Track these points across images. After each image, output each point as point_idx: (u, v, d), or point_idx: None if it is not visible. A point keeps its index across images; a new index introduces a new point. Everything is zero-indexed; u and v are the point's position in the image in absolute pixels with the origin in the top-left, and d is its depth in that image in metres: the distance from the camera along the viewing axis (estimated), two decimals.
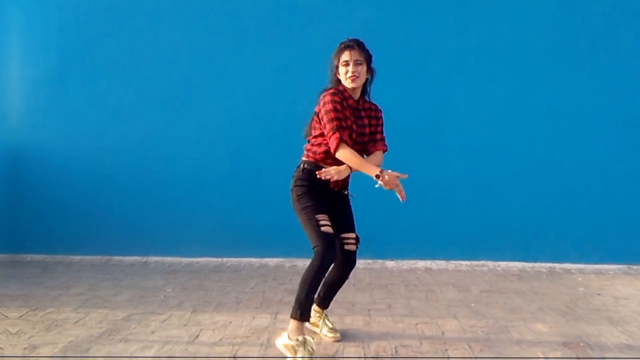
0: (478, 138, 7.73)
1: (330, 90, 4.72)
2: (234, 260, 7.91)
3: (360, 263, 7.42)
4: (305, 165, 4.87)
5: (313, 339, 4.58)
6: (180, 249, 8.00)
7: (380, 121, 4.99)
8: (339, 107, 4.64)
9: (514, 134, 7.71)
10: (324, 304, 5.21)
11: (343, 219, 5.00)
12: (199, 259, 7.93)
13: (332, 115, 4.60)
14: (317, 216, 4.67)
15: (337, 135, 4.56)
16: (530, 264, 7.70)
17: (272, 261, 7.81)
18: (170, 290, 6.58)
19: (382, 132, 5.01)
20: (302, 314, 4.59)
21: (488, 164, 7.72)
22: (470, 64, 7.73)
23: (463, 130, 7.74)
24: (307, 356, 4.42)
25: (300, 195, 4.82)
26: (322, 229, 4.62)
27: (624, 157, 7.64)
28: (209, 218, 7.99)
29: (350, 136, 4.69)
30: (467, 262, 7.79)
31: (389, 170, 4.58)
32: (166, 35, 7.93)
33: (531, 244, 7.79)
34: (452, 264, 7.74)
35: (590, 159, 7.66)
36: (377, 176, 4.52)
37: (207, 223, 8.00)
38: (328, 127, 4.61)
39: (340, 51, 4.73)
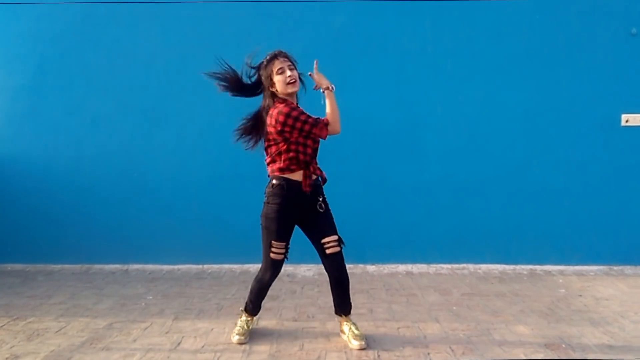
0: (457, 141, 7.75)
1: (280, 104, 4.90)
2: (215, 266, 7.89)
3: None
4: (274, 180, 5.00)
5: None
6: (161, 256, 7.97)
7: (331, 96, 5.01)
8: (299, 108, 4.91)
9: (492, 137, 7.73)
10: (338, 310, 5.24)
11: (320, 225, 5.05)
12: (180, 266, 7.91)
13: (303, 117, 4.81)
14: (272, 242, 5.03)
15: (321, 125, 4.83)
16: (511, 267, 7.73)
17: (253, 267, 7.78)
18: (151, 298, 6.56)
19: None
20: (251, 310, 5.33)
21: (467, 167, 7.74)
22: (447, 68, 7.75)
23: (441, 133, 7.76)
24: (238, 333, 5.17)
25: (269, 215, 5.02)
26: (272, 255, 5.05)
27: (602, 158, 7.68)
28: (189, 225, 7.96)
29: (304, 145, 4.91)
30: (448, 266, 7.80)
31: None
32: (143, 44, 7.89)
33: (512, 247, 7.81)
34: (433, 268, 7.75)
35: (568, 160, 7.70)
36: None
37: (187, 230, 7.97)
38: (307, 126, 4.80)
39: (270, 62, 5.02)
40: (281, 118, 4.77)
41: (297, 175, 4.93)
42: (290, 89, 4.86)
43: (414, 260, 7.83)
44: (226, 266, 7.88)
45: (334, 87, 4.85)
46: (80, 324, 5.63)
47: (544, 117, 7.68)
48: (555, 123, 7.68)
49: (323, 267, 5.16)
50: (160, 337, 5.28)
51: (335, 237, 5.02)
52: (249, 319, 5.30)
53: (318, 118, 4.84)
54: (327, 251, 4.99)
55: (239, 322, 5.27)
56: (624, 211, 7.71)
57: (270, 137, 4.94)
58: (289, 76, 4.83)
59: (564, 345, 4.97)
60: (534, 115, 7.69)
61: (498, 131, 7.72)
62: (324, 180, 5.13)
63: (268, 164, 5.09)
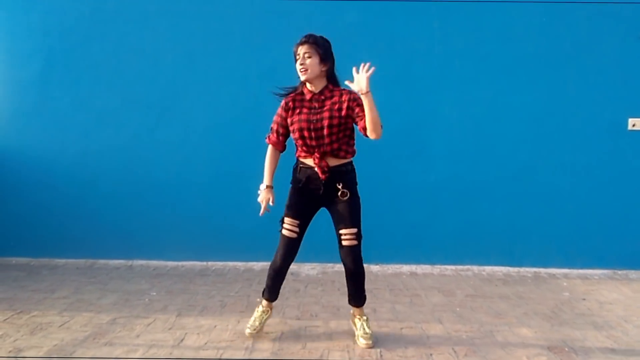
0: (463, 143, 7.73)
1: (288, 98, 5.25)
2: (219, 264, 7.90)
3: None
4: (295, 163, 5.24)
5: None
6: (165, 252, 7.98)
7: (351, 103, 4.97)
8: (278, 111, 5.32)
9: (498, 139, 7.72)
10: (351, 301, 5.33)
11: (340, 214, 5.05)
12: (184, 263, 7.91)
13: (274, 117, 5.34)
14: (285, 218, 5.20)
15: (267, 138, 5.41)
16: (515, 269, 7.72)
17: (257, 265, 7.80)
18: (155, 293, 6.56)
19: (359, 111, 4.95)
20: (267, 295, 5.42)
21: (473, 169, 7.73)
22: (455, 69, 7.73)
23: (448, 135, 7.75)
24: (250, 326, 5.25)
25: (289, 192, 5.27)
26: (284, 231, 5.19)
27: (609, 161, 7.66)
28: (194, 222, 7.97)
29: (300, 130, 5.03)
30: (452, 267, 7.79)
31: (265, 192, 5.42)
32: (151, 39, 7.89)
33: (516, 249, 7.80)
34: (437, 269, 7.74)
35: (574, 163, 7.68)
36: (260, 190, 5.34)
37: (192, 227, 7.98)
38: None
39: (294, 48, 5.10)
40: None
41: (310, 161, 5.05)
42: (301, 77, 5.02)
43: (418, 261, 7.83)
44: (230, 263, 7.88)
45: (368, 92, 4.80)
46: (84, 318, 5.64)
47: (550, 120, 7.66)
48: (561, 126, 7.66)
49: (340, 259, 5.17)
50: (163, 333, 5.28)
51: (353, 230, 5.00)
52: (265, 308, 5.35)
53: (271, 129, 5.39)
54: (343, 242, 5.02)
55: (255, 313, 5.35)
56: (629, 215, 7.70)
57: None
58: (300, 64, 4.97)
59: (567, 349, 4.96)
60: (540, 117, 7.67)
61: (504, 133, 7.71)
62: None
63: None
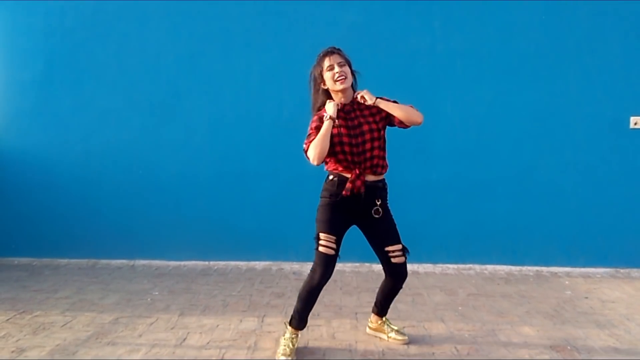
0: (465, 142, 7.73)
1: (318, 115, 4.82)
2: (221, 263, 7.90)
3: (347, 266, 7.44)
4: (329, 176, 4.87)
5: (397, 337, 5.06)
6: (167, 252, 7.98)
7: (375, 109, 4.89)
8: (313, 124, 4.78)
9: (500, 138, 7.71)
10: (382, 312, 5.23)
11: (383, 232, 4.93)
12: (186, 263, 7.92)
13: (310, 128, 4.78)
14: (320, 234, 4.72)
15: (305, 142, 4.74)
16: (518, 268, 7.71)
17: (259, 264, 7.80)
18: (157, 293, 6.57)
19: (395, 101, 4.97)
20: (296, 323, 4.88)
21: (475, 168, 7.73)
22: (457, 68, 7.73)
23: (450, 133, 7.75)
24: (284, 354, 4.74)
25: (320, 206, 4.85)
26: (321, 248, 4.69)
27: (611, 160, 7.66)
28: (196, 221, 7.97)
29: (341, 144, 4.72)
30: (454, 266, 7.79)
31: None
32: (153, 39, 7.91)
33: (518, 248, 7.80)
34: (439, 268, 7.74)
35: (576, 162, 7.68)
36: (330, 118, 4.66)
37: (194, 226, 7.98)
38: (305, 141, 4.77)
39: (321, 60, 4.76)
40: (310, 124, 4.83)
41: (348, 174, 4.77)
42: (338, 86, 4.71)
43: (420, 259, 7.81)
44: (232, 263, 7.88)
45: (377, 99, 4.76)
46: (86, 318, 5.65)
47: (552, 119, 7.66)
48: (563, 125, 7.66)
49: (383, 270, 5.05)
50: (165, 332, 5.28)
51: (399, 247, 4.97)
52: (293, 335, 4.89)
53: (310, 136, 4.76)
54: (393, 260, 4.92)
55: (282, 340, 4.88)
56: (631, 214, 7.69)
57: None
58: (337, 72, 4.67)
59: (569, 347, 4.96)
60: (542, 116, 7.67)
61: (506, 132, 7.71)
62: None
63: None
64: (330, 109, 4.66)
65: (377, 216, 4.84)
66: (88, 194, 8.01)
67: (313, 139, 4.63)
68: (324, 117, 4.64)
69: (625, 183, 7.66)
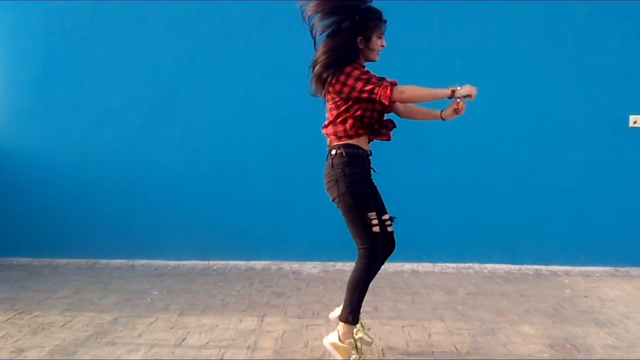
0: (463, 140, 7.73)
1: (350, 66, 4.37)
2: (221, 263, 7.90)
3: (346, 266, 7.45)
4: (345, 148, 4.48)
5: (365, 338, 4.74)
6: (167, 252, 7.98)
7: None
8: (363, 68, 4.45)
9: (499, 137, 7.71)
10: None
11: (379, 200, 4.78)
12: (186, 262, 7.92)
13: (365, 76, 4.33)
14: (369, 214, 4.42)
15: (385, 83, 4.33)
16: (517, 266, 7.71)
17: (258, 264, 7.81)
18: (156, 293, 6.57)
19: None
20: (353, 318, 4.53)
21: (474, 167, 7.73)
22: (455, 67, 7.74)
23: (449, 132, 7.74)
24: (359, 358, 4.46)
25: (351, 188, 4.43)
26: (374, 229, 4.44)
27: (610, 159, 7.66)
28: (195, 221, 7.97)
29: (373, 109, 4.51)
30: (454, 265, 7.79)
31: (460, 87, 4.66)
32: (152, 39, 7.90)
33: (518, 246, 7.80)
34: (438, 267, 7.74)
35: (576, 161, 7.68)
36: (453, 92, 4.62)
37: (193, 226, 7.98)
38: (369, 86, 4.29)
39: (376, 22, 4.50)
40: (341, 79, 4.35)
41: (364, 142, 4.59)
42: (374, 57, 4.61)
43: (419, 259, 7.83)
44: (232, 262, 7.88)
45: (453, 91, 4.73)
46: (86, 318, 5.65)
47: (551, 118, 7.66)
48: (562, 123, 7.66)
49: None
50: (165, 332, 5.28)
51: (388, 215, 4.78)
52: (356, 329, 4.67)
53: (384, 79, 4.42)
54: (389, 229, 4.74)
55: (348, 350, 4.51)
56: (630, 212, 7.69)
57: (331, 99, 4.52)
58: (384, 45, 4.59)
59: (568, 346, 4.96)
60: (541, 115, 7.67)
61: (505, 131, 7.71)
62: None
63: (333, 133, 4.55)
64: (465, 91, 4.71)
65: (374, 172, 4.79)
66: (87, 194, 8.01)
67: (385, 80, 4.37)
68: (454, 86, 4.64)
69: (625, 181, 7.67)
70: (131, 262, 7.94)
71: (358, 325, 4.75)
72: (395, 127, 4.76)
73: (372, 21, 4.45)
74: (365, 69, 4.41)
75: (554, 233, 7.74)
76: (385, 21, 4.51)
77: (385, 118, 4.69)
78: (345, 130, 4.46)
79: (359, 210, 4.41)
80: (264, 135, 7.79)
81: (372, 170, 4.77)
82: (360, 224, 4.42)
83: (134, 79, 7.91)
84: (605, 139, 7.64)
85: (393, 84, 4.31)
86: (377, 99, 4.30)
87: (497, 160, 7.71)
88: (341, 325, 4.55)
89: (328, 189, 4.51)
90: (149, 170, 7.95)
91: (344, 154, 4.43)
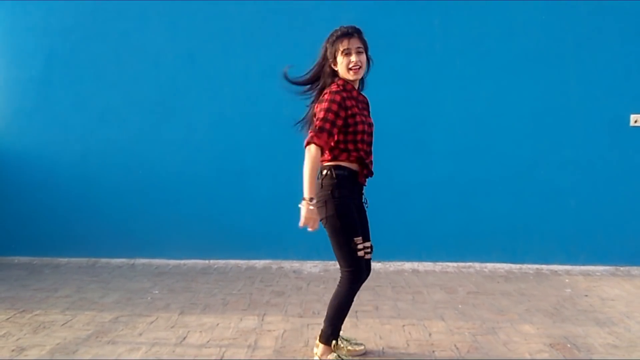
0: (464, 140, 7.73)
1: (335, 88, 4.33)
2: (221, 262, 7.91)
3: None
4: (335, 170, 4.39)
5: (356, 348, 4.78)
6: (167, 251, 7.99)
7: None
8: (334, 107, 4.21)
9: (500, 136, 7.71)
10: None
11: (366, 226, 4.72)
12: (186, 261, 7.92)
13: (321, 115, 4.21)
14: (355, 239, 4.36)
15: (311, 134, 4.21)
16: (517, 266, 7.72)
17: (259, 263, 7.81)
18: (157, 292, 6.57)
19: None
20: (332, 339, 4.53)
21: (475, 166, 7.73)
22: (456, 66, 7.73)
23: (449, 132, 7.75)
24: None
25: (339, 211, 4.34)
26: (359, 253, 4.38)
27: (611, 158, 7.66)
28: (196, 220, 7.98)
29: (362, 130, 4.38)
30: (454, 264, 7.79)
31: (314, 208, 4.19)
32: (152, 38, 7.90)
33: (518, 246, 7.80)
34: (439, 266, 7.74)
35: (576, 160, 7.68)
36: (304, 199, 4.16)
37: (194, 225, 7.99)
38: (316, 122, 4.23)
39: (338, 40, 4.36)
40: (323, 105, 4.26)
41: (355, 166, 4.46)
42: (351, 76, 4.36)
43: (420, 258, 7.83)
44: (232, 262, 7.89)
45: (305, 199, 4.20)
46: (86, 317, 5.65)
47: (552, 117, 7.66)
48: (563, 123, 7.66)
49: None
50: (165, 331, 5.29)
51: (370, 244, 4.68)
52: (337, 344, 4.61)
53: (323, 135, 4.20)
54: (367, 257, 4.59)
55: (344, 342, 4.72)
56: (631, 212, 7.69)
57: None
58: (353, 62, 4.32)
59: (569, 345, 4.96)
60: (542, 114, 7.67)
61: (506, 130, 7.70)
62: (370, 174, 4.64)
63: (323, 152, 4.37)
64: (304, 209, 4.19)
65: (366, 206, 4.70)
66: (88, 193, 8.02)
67: (324, 134, 4.19)
68: (308, 202, 4.16)
69: (625, 181, 7.66)
70: (132, 261, 7.94)
71: (341, 343, 4.77)
72: (371, 175, 4.66)
73: (334, 42, 4.40)
74: (332, 107, 4.24)
75: (555, 232, 7.74)
76: (351, 35, 4.40)
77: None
78: (333, 155, 4.42)
79: (346, 234, 4.36)
80: (264, 134, 7.79)
81: (363, 197, 4.69)
82: (345, 248, 4.38)
83: (134, 78, 7.92)
84: (606, 138, 7.64)
85: (311, 142, 4.21)
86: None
87: (497, 159, 7.71)
88: (321, 346, 4.55)
89: (317, 208, 4.35)
90: (150, 169, 7.95)
91: (333, 175, 4.36)
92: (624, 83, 7.59)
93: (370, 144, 4.55)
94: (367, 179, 4.59)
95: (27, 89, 8.00)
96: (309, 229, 4.20)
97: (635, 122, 7.59)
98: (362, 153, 4.44)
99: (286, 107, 7.59)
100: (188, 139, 7.92)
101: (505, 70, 7.67)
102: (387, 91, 7.64)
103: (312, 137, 4.20)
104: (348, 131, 4.33)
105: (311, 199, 4.14)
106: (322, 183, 4.39)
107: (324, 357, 4.50)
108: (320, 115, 4.23)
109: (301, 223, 4.17)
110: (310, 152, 4.18)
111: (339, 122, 4.27)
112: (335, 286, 4.63)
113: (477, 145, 7.72)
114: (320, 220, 4.35)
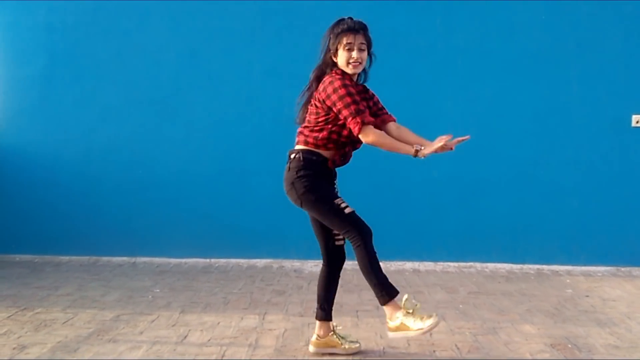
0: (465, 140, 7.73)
1: (338, 75, 4.38)
2: (222, 261, 7.91)
3: (347, 264, 7.38)
4: (304, 154, 4.44)
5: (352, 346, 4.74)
6: (169, 249, 7.99)
7: (376, 97, 4.76)
8: (352, 90, 4.29)
9: (501, 136, 7.71)
10: (330, 315, 4.79)
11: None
12: (187, 260, 7.92)
13: (349, 100, 4.24)
14: (335, 201, 4.38)
15: (358, 119, 4.21)
16: (518, 266, 7.72)
17: (260, 262, 7.81)
18: (158, 290, 6.57)
19: (382, 106, 4.78)
20: (389, 293, 4.39)
21: (476, 166, 7.73)
22: (458, 66, 7.73)
23: (450, 131, 7.68)
24: (423, 318, 4.23)
25: (308, 186, 4.38)
26: (346, 211, 4.36)
27: (612, 158, 7.66)
28: (197, 219, 7.98)
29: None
30: (455, 264, 7.79)
31: (424, 148, 4.51)
32: (154, 36, 7.91)
33: (519, 246, 7.80)
34: (440, 266, 7.75)
35: (578, 160, 7.68)
36: (417, 152, 4.45)
37: (195, 224, 7.99)
38: (345, 112, 4.23)
39: (342, 34, 4.46)
40: (329, 88, 4.30)
41: (329, 154, 4.47)
42: (349, 70, 4.40)
43: (421, 258, 7.83)
44: (233, 260, 7.89)
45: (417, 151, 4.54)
46: (88, 315, 5.65)
47: (553, 117, 7.66)
48: (565, 123, 7.66)
49: (324, 258, 4.82)
50: (166, 329, 5.29)
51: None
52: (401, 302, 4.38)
53: (365, 114, 4.28)
54: (336, 243, 4.71)
55: (407, 319, 4.30)
56: (632, 212, 7.70)
57: (313, 104, 4.47)
58: (354, 58, 4.38)
59: (570, 345, 4.96)
60: (543, 114, 7.67)
61: (507, 130, 7.71)
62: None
63: (303, 135, 4.52)
64: (428, 151, 4.54)
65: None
66: (89, 191, 8.02)
67: (358, 109, 4.24)
68: (416, 147, 4.50)
69: (627, 181, 7.67)
70: (133, 259, 7.94)
71: (338, 339, 4.78)
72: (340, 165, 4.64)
73: (338, 34, 4.47)
74: (353, 90, 4.31)
75: (556, 232, 7.75)
76: (356, 32, 4.51)
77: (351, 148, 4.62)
78: (315, 138, 4.43)
79: (324, 202, 4.40)
80: (265, 133, 7.79)
81: (335, 184, 4.67)
82: (332, 213, 4.39)
83: (136, 76, 7.92)
84: (608, 139, 7.64)
85: (364, 123, 4.24)
86: (348, 127, 4.30)
87: (498, 159, 7.72)
88: (385, 308, 4.41)
89: (287, 192, 4.48)
90: (151, 167, 7.96)
91: (301, 158, 4.42)
92: (625, 83, 7.59)
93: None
94: (335, 166, 4.58)
95: (29, 87, 8.01)
96: (438, 146, 4.63)
97: (637, 122, 7.59)
98: (346, 145, 4.50)
99: (287, 106, 7.58)
100: (189, 137, 7.93)
101: (506, 70, 7.67)
102: (389, 91, 7.58)
103: (358, 123, 4.22)
104: (338, 119, 4.35)
105: (415, 147, 4.55)
106: (289, 166, 4.49)
107: (395, 314, 4.32)
108: (347, 100, 4.25)
109: (425, 152, 4.58)
110: (374, 133, 4.30)
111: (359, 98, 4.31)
112: (338, 285, 4.63)
113: (478, 145, 7.69)
114: (296, 204, 4.47)
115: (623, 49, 7.60)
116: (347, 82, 4.33)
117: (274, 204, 7.68)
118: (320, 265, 4.80)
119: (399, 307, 4.32)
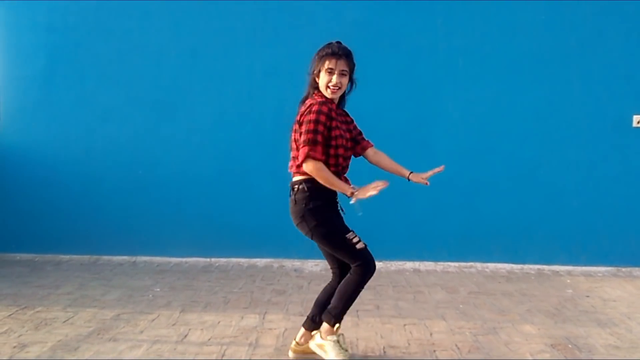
0: (467, 140, 7.73)
1: (319, 99, 4.39)
2: (223, 260, 7.91)
3: None
4: (307, 184, 4.42)
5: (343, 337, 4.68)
6: (169, 249, 7.99)
7: (354, 123, 4.77)
8: (322, 121, 4.27)
9: (502, 136, 7.71)
10: (318, 325, 4.75)
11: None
12: (188, 259, 7.92)
13: (312, 127, 4.26)
14: (347, 236, 4.43)
15: (307, 149, 4.24)
16: (519, 266, 7.72)
17: (260, 261, 7.81)
18: (158, 290, 6.58)
19: (361, 131, 4.81)
20: (336, 322, 4.53)
21: (477, 166, 7.73)
22: (459, 66, 7.73)
23: (452, 132, 7.75)
24: (343, 351, 4.47)
25: (320, 219, 4.42)
26: (358, 246, 4.42)
27: (613, 159, 7.65)
28: (198, 218, 7.98)
29: (343, 145, 4.42)
30: (456, 264, 7.79)
31: (358, 192, 4.32)
32: (155, 36, 7.91)
33: (520, 246, 7.80)
34: (440, 265, 7.74)
35: (579, 160, 7.67)
36: (351, 194, 4.29)
37: (195, 223, 7.99)
38: (304, 137, 4.27)
39: (324, 58, 4.41)
40: (307, 114, 4.32)
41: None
42: (328, 94, 4.39)
43: (421, 257, 7.83)
44: (233, 260, 7.89)
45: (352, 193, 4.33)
46: (88, 314, 5.66)
47: (554, 117, 7.66)
48: (566, 123, 7.66)
49: (334, 273, 4.79)
50: (167, 329, 5.29)
51: None
52: (337, 331, 4.60)
53: (317, 147, 4.27)
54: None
55: (332, 345, 4.51)
56: (633, 213, 7.69)
57: (295, 129, 4.49)
58: (333, 82, 4.35)
59: (570, 346, 4.96)
60: (544, 115, 7.67)
61: (508, 130, 7.70)
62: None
63: (297, 166, 4.48)
64: (361, 195, 4.33)
65: (343, 214, 4.66)
66: (90, 191, 8.02)
67: (314, 140, 4.24)
68: (352, 189, 4.32)
69: (628, 182, 7.67)
70: (133, 258, 7.94)
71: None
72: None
73: (321, 58, 4.43)
74: (322, 123, 4.30)
75: (556, 233, 7.75)
76: (339, 57, 4.40)
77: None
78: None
79: (337, 235, 4.45)
80: (266, 133, 7.79)
81: (338, 205, 4.66)
82: (344, 249, 4.45)
83: (137, 76, 7.92)
84: (609, 139, 7.64)
85: (309, 156, 4.26)
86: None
87: (499, 159, 7.71)
88: (325, 327, 4.56)
89: (297, 225, 4.52)
90: (152, 167, 7.96)
91: (305, 188, 4.42)
92: (626, 84, 7.59)
93: (348, 158, 4.59)
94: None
95: (30, 87, 8.01)
96: (373, 192, 4.36)
97: (638, 123, 7.59)
98: (340, 168, 4.48)
99: (288, 107, 7.59)
100: (190, 137, 7.92)
101: (507, 71, 7.67)
102: (390, 91, 7.65)
103: (306, 151, 4.27)
104: (330, 144, 4.38)
105: (351, 189, 4.32)
106: (295, 199, 4.49)
107: (326, 336, 4.52)
108: (310, 127, 4.28)
109: (358, 195, 4.32)
110: (315, 166, 4.29)
111: (326, 133, 4.33)
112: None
113: (479, 145, 7.72)
114: (307, 236, 4.50)
115: (624, 49, 7.60)
116: (325, 109, 4.32)
117: (274, 203, 7.69)
118: (320, 265, 4.79)
119: (334, 333, 4.54)
